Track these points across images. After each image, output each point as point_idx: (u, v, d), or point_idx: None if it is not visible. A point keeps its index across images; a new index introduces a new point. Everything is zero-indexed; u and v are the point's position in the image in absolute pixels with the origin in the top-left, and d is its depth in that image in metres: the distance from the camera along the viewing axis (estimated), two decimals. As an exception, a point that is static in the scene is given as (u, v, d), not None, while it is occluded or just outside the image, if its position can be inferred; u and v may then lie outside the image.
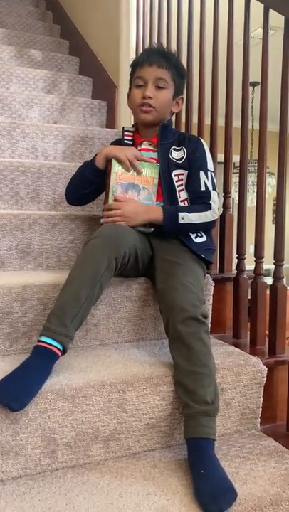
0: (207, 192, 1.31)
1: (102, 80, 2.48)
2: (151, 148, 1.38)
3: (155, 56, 1.34)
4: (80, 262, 1.09)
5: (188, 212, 1.25)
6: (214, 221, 1.33)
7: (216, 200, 1.31)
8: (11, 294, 1.14)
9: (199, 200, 1.30)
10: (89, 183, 1.37)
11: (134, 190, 1.27)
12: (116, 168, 1.27)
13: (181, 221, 1.24)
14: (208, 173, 1.33)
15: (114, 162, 1.27)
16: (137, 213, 1.24)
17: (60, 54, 2.77)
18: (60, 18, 3.17)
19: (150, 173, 1.29)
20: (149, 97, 1.32)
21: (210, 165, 1.35)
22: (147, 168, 1.29)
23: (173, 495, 0.86)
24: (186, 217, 1.25)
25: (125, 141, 1.42)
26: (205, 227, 1.30)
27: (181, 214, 1.25)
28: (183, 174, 1.34)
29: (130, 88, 1.41)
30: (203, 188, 1.30)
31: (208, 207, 1.29)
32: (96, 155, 1.35)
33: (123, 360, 1.13)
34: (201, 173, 1.32)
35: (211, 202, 1.29)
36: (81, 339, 1.22)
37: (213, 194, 1.31)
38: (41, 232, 1.43)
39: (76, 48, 2.87)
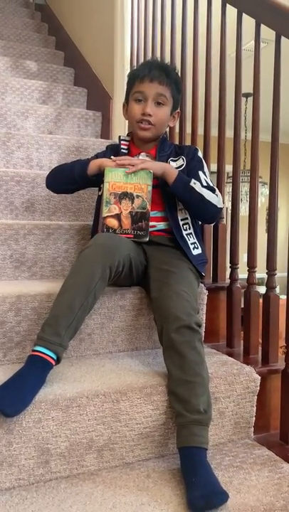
0: (210, 186, 1.32)
1: (96, 91, 2.50)
2: (149, 159, 1.40)
3: (156, 71, 1.34)
4: (74, 271, 1.10)
5: (201, 187, 1.27)
6: (220, 210, 1.31)
7: (219, 194, 1.32)
8: (5, 304, 1.14)
9: None
10: (73, 183, 1.40)
11: (128, 199, 1.27)
12: (108, 177, 1.27)
13: (192, 185, 1.25)
14: (206, 173, 1.36)
15: (106, 172, 1.27)
16: (154, 162, 1.29)
17: (55, 65, 2.80)
18: (56, 30, 3.21)
19: (143, 180, 1.27)
20: (149, 115, 1.34)
21: (206, 169, 1.38)
22: (139, 175, 1.27)
23: (166, 505, 0.86)
24: (197, 186, 1.26)
25: (122, 150, 1.43)
26: (212, 210, 1.28)
27: (194, 180, 1.27)
28: None
29: (127, 99, 1.42)
30: (205, 184, 1.31)
31: (215, 194, 1.30)
32: (90, 160, 1.36)
33: (117, 369, 1.13)
34: (200, 173, 1.34)
35: (216, 193, 1.30)
36: (75, 349, 1.22)
37: (216, 189, 1.33)
38: (36, 242, 1.43)
39: (71, 59, 2.90)
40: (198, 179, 1.31)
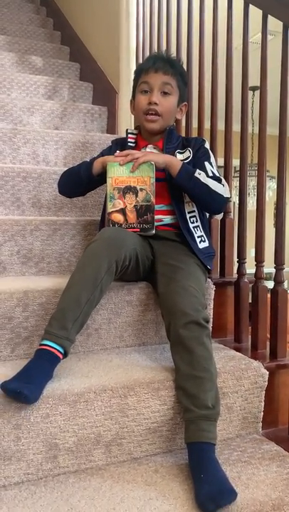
0: (216, 176, 1.30)
1: (102, 86, 2.49)
2: (156, 151, 1.39)
3: (161, 63, 1.35)
4: (80, 266, 1.10)
5: (206, 177, 1.26)
6: (226, 199, 1.30)
7: (226, 183, 1.31)
8: (12, 300, 1.14)
9: None
10: (81, 185, 1.40)
11: (132, 192, 1.26)
12: (111, 173, 1.26)
13: (197, 175, 1.24)
14: (212, 164, 1.34)
15: (108, 167, 1.26)
16: (157, 154, 1.28)
17: (60, 60, 2.79)
18: (61, 25, 3.19)
19: (145, 172, 1.25)
20: (155, 103, 1.33)
21: (212, 159, 1.36)
22: (142, 168, 1.25)
23: (175, 500, 0.86)
24: (202, 176, 1.25)
25: (128, 144, 1.43)
26: (218, 200, 1.27)
27: (199, 171, 1.25)
28: None
29: (134, 94, 1.42)
30: (211, 174, 1.29)
31: (221, 184, 1.28)
32: (94, 160, 1.36)
33: (124, 364, 1.13)
34: (206, 164, 1.32)
35: (223, 183, 1.29)
36: (82, 344, 1.22)
37: (223, 179, 1.31)
38: (42, 238, 1.43)
39: (76, 54, 2.89)
40: (204, 170, 1.29)
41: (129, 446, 1.01)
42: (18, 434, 0.92)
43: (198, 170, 1.26)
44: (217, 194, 1.25)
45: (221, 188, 1.27)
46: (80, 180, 1.38)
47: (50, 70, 2.71)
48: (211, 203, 1.29)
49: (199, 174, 1.24)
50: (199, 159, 1.35)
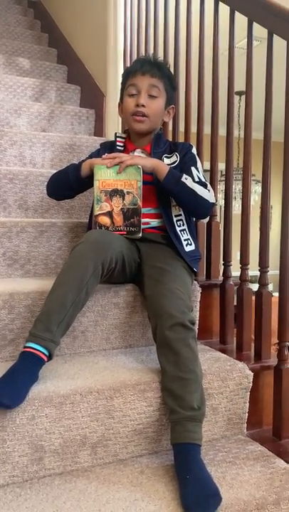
0: (202, 182, 1.31)
1: (90, 89, 2.50)
2: (144, 155, 1.40)
3: (148, 66, 1.36)
4: (66, 268, 1.10)
5: (193, 182, 1.27)
6: (211, 205, 1.31)
7: (211, 189, 1.33)
8: (-2, 302, 1.14)
9: None
10: (70, 188, 1.40)
11: (119, 195, 1.27)
12: (98, 175, 1.26)
13: (184, 180, 1.25)
14: (199, 169, 1.36)
15: (95, 170, 1.27)
16: (145, 158, 1.30)
17: (48, 62, 2.79)
18: (48, 27, 3.19)
19: (132, 176, 1.26)
20: (143, 105, 1.35)
21: (199, 164, 1.38)
22: (129, 171, 1.26)
23: (160, 500, 0.87)
24: (189, 181, 1.26)
25: (117, 147, 1.43)
26: (203, 205, 1.29)
27: (185, 176, 1.27)
28: None
29: (122, 97, 1.43)
30: (197, 180, 1.31)
31: (207, 190, 1.30)
32: (82, 162, 1.36)
33: (111, 366, 1.13)
34: (193, 169, 1.34)
35: (208, 188, 1.31)
36: (68, 346, 1.22)
37: (208, 184, 1.33)
38: (29, 240, 1.43)
39: (64, 56, 2.89)
40: (191, 175, 1.31)
41: (115, 447, 1.01)
42: (3, 436, 0.91)
43: (184, 175, 1.27)
44: (203, 199, 1.27)
45: (206, 194, 1.28)
46: (69, 183, 1.38)
47: (37, 72, 2.70)
48: (197, 208, 1.31)
49: (186, 179, 1.26)
50: (186, 164, 1.36)
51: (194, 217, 1.43)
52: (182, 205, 1.32)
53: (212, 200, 1.30)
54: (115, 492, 0.89)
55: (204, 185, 1.30)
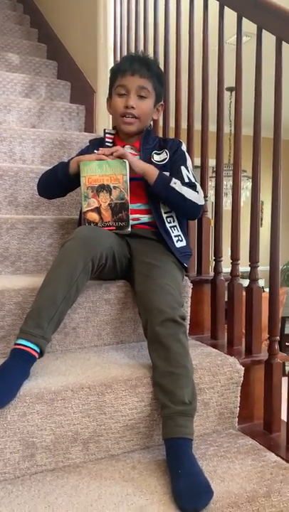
0: (192, 183, 1.33)
1: (80, 85, 2.49)
2: (134, 152, 1.40)
3: (137, 65, 1.35)
4: (56, 264, 1.10)
5: (182, 185, 1.28)
6: (200, 207, 1.33)
7: (201, 190, 1.34)
8: (-12, 299, 1.13)
9: None
10: (60, 185, 1.40)
11: (105, 191, 1.26)
12: (84, 172, 1.26)
13: (172, 185, 1.27)
14: (189, 168, 1.36)
15: (81, 167, 1.26)
16: (137, 160, 1.29)
17: (38, 58, 2.77)
18: (38, 22, 3.16)
19: (118, 170, 1.25)
20: (132, 107, 1.34)
21: (189, 162, 1.39)
22: (114, 165, 1.25)
23: (152, 495, 0.87)
24: (178, 185, 1.27)
25: (106, 144, 1.43)
26: (192, 208, 1.31)
27: (174, 180, 1.28)
28: None
29: (110, 93, 1.42)
30: (186, 180, 1.32)
31: (196, 192, 1.31)
32: (71, 160, 1.36)
33: (102, 362, 1.13)
34: (182, 168, 1.35)
35: (197, 190, 1.32)
36: (60, 343, 1.22)
37: (198, 185, 1.34)
38: (19, 236, 1.42)
39: (54, 52, 2.87)
40: (181, 175, 1.32)
41: (107, 443, 1.01)
42: (-6, 434, 0.91)
43: (173, 179, 1.28)
44: (191, 203, 1.29)
45: (195, 197, 1.30)
46: (58, 181, 1.38)
47: (27, 67, 2.68)
48: (185, 211, 1.33)
49: (175, 184, 1.27)
50: (176, 163, 1.36)
51: (183, 218, 1.43)
52: (171, 208, 1.34)
53: (201, 202, 1.32)
54: (107, 487, 0.90)
55: (194, 187, 1.31)
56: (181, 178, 1.31)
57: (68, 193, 1.48)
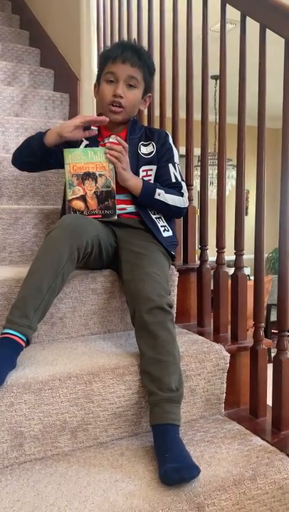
0: (178, 183, 1.36)
1: (63, 72, 2.45)
2: (120, 140, 1.38)
3: (129, 53, 1.32)
4: (41, 254, 1.09)
5: (165, 193, 1.31)
6: (184, 209, 1.37)
7: (186, 190, 1.37)
8: (-27, 290, 1.13)
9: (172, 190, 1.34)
10: (33, 155, 1.33)
11: (91, 179, 1.25)
12: (68, 159, 1.24)
13: (157, 197, 1.29)
14: (176, 165, 1.38)
15: (65, 154, 1.24)
16: (129, 168, 1.29)
17: (20, 45, 2.72)
18: (19, 8, 3.10)
19: (103, 158, 1.24)
20: (120, 96, 1.33)
21: (176, 157, 1.40)
22: (100, 153, 1.24)
23: (140, 480, 0.88)
24: (162, 195, 1.30)
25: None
26: (176, 212, 1.35)
27: (158, 190, 1.29)
28: (151, 170, 1.37)
29: (99, 80, 1.39)
30: (174, 180, 1.35)
31: (180, 194, 1.35)
32: (48, 130, 1.32)
33: (89, 352, 1.14)
34: (170, 166, 1.36)
35: (182, 191, 1.35)
36: (47, 333, 1.22)
37: (183, 184, 1.37)
38: (3, 227, 1.41)
39: (36, 39, 2.82)
40: (168, 175, 1.35)
41: (95, 431, 1.02)
42: (-18, 424, 0.91)
43: (157, 189, 1.30)
44: (176, 208, 1.33)
45: (179, 201, 1.33)
46: (32, 149, 1.32)
47: (9, 55, 2.63)
48: (170, 215, 1.37)
49: (159, 195, 1.29)
50: (162, 159, 1.37)
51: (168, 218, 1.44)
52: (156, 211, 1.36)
53: (185, 204, 1.36)
54: (96, 474, 0.90)
55: (179, 188, 1.34)
56: (168, 178, 1.34)
57: (42, 170, 1.45)
